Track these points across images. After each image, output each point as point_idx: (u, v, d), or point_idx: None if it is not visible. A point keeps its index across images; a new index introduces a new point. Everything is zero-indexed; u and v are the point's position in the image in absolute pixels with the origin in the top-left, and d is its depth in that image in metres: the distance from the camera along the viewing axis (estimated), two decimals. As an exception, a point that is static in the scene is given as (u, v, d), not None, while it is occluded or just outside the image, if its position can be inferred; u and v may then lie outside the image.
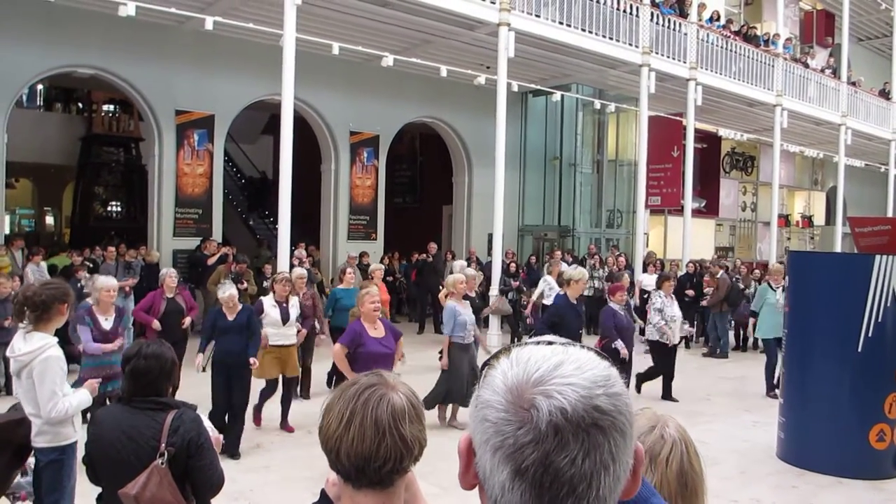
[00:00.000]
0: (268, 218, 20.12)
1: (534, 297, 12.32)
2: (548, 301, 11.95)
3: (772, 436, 7.31)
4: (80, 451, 3.33)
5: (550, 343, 0.83)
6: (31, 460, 3.88)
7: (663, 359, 9.27)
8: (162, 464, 2.89)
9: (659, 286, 9.70)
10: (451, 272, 9.30)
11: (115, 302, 11.11)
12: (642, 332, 10.47)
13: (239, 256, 11.91)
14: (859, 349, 6.50)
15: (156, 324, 7.74)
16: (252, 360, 6.75)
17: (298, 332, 7.87)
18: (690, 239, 16.47)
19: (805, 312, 6.97)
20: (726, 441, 7.59)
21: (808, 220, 25.60)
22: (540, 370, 0.78)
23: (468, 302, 7.98)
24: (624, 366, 7.68)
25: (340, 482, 1.47)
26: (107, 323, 6.35)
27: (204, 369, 6.78)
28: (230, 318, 6.74)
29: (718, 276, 13.12)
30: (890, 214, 21.86)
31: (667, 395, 9.25)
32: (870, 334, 6.48)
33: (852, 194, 24.60)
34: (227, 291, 6.87)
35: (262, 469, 6.38)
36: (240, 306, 6.90)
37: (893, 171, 23.21)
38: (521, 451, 0.75)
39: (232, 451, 6.42)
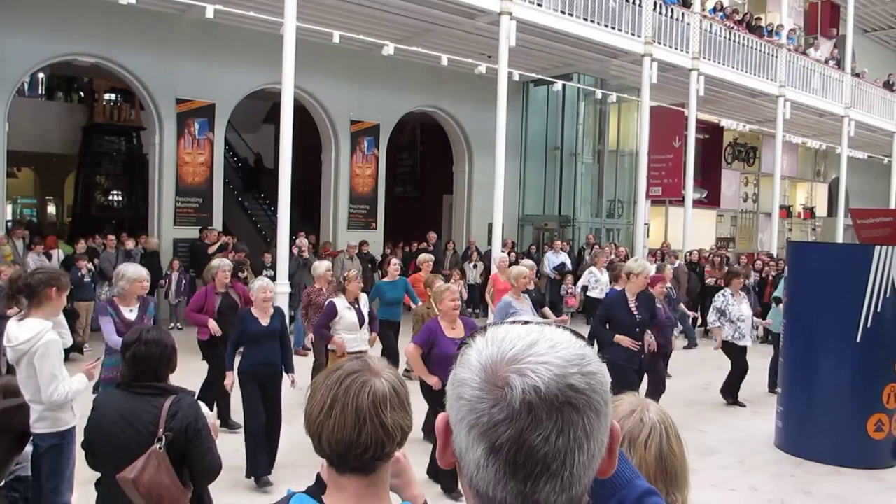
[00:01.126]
0: (267, 206, 20.10)
1: (577, 289, 12.25)
2: (594, 294, 11.91)
3: (770, 425, 7.33)
4: (80, 437, 3.35)
5: (527, 322, 0.83)
6: (30, 447, 3.90)
7: (736, 359, 8.69)
8: (160, 448, 2.90)
9: (727, 283, 8.99)
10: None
11: (114, 294, 11.27)
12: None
13: (238, 245, 11.88)
14: (858, 339, 6.51)
15: (213, 324, 6.92)
16: (292, 377, 5.99)
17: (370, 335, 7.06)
18: (691, 230, 16.45)
19: (804, 303, 6.97)
20: (725, 431, 7.62)
21: (809, 212, 25.56)
22: (514, 349, 0.78)
23: (527, 296, 7.33)
24: (657, 359, 7.36)
25: (325, 466, 1.48)
26: (131, 314, 5.73)
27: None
28: (264, 322, 5.88)
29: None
30: (892, 206, 21.81)
31: (728, 393, 8.73)
32: (869, 325, 6.49)
33: (855, 186, 24.55)
34: (259, 283, 6.05)
35: (262, 456, 6.39)
36: (272, 308, 5.99)
37: (896, 162, 23.16)
38: (496, 428, 0.76)
39: (262, 472, 5.65)
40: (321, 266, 8.46)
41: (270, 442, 5.79)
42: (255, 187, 21.39)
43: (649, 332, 7.06)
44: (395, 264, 8.87)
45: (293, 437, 6.15)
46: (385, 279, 8.97)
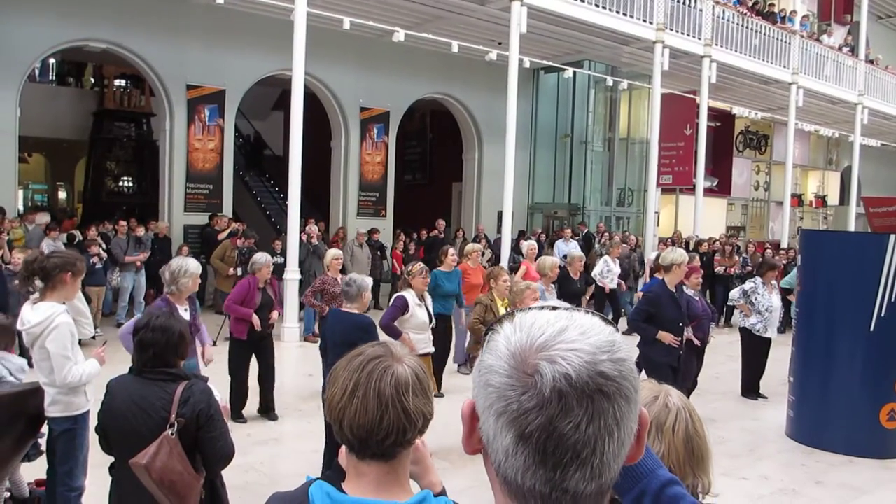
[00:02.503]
0: (277, 193, 20.12)
1: (595, 275, 12.16)
2: (608, 282, 11.82)
3: (781, 414, 7.31)
4: (93, 421, 3.36)
5: (555, 308, 0.82)
6: (45, 429, 3.93)
7: (752, 349, 8.42)
8: (172, 434, 2.91)
9: (760, 274, 8.65)
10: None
11: (125, 280, 11.30)
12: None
13: (248, 231, 11.88)
14: (872, 329, 6.47)
15: (256, 319, 6.70)
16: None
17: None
18: (702, 218, 16.37)
19: (818, 292, 6.92)
20: (735, 419, 7.60)
21: (821, 200, 25.38)
22: (544, 335, 0.77)
23: (554, 287, 7.20)
24: (694, 353, 7.10)
25: (345, 452, 1.48)
26: (185, 313, 5.10)
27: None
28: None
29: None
30: (905, 195, 21.66)
31: (748, 389, 8.53)
32: (882, 314, 6.44)
33: (867, 174, 24.37)
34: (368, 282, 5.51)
35: (272, 441, 6.43)
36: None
37: (909, 150, 22.98)
38: (525, 416, 0.75)
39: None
40: (328, 254, 8.26)
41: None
42: (255, 166, 21.28)
43: (689, 327, 6.74)
44: (452, 254, 8.30)
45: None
46: (441, 268, 8.25)
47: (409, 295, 6.18)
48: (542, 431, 0.74)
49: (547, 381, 0.74)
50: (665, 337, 6.02)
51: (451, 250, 8.48)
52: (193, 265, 5.28)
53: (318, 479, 1.49)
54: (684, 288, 7.19)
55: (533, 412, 0.74)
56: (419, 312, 6.10)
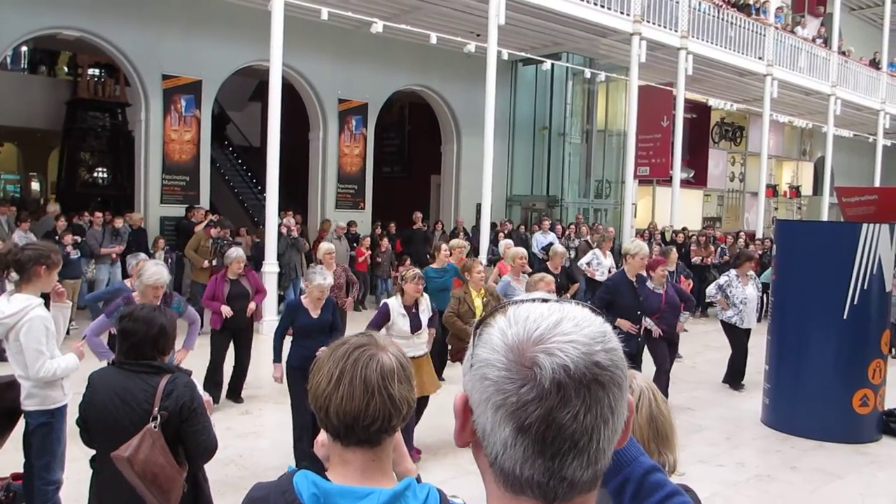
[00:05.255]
0: (254, 185, 19.98)
1: (581, 265, 12.17)
2: (599, 276, 11.87)
3: (757, 402, 7.42)
4: (71, 415, 3.34)
5: (545, 300, 0.84)
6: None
7: (735, 340, 8.54)
8: (155, 427, 2.89)
9: (737, 266, 8.73)
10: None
11: (101, 272, 11.17)
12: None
13: (222, 221, 11.66)
14: (845, 316, 6.59)
15: (226, 309, 7.07)
16: None
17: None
18: (679, 209, 16.51)
19: (792, 280, 7.03)
20: (712, 407, 7.70)
21: (795, 191, 25.72)
22: (540, 328, 0.78)
23: (525, 276, 7.21)
24: (664, 344, 7.22)
25: (329, 440, 1.49)
26: None
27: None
28: (314, 314, 5.64)
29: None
30: (877, 185, 21.98)
31: (731, 378, 8.60)
32: (855, 302, 6.57)
33: (840, 164, 24.71)
34: (317, 280, 5.65)
35: (252, 435, 6.42)
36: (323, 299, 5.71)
37: (881, 141, 23.28)
38: (525, 408, 0.76)
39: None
40: (321, 248, 8.17)
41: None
42: (217, 138, 20.92)
43: (648, 317, 6.98)
44: (445, 250, 8.39)
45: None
46: (433, 265, 8.40)
47: (395, 302, 5.92)
48: (541, 423, 0.76)
49: (546, 374, 0.75)
50: (623, 324, 6.35)
51: (445, 246, 8.51)
52: (148, 273, 4.89)
53: (301, 468, 1.50)
54: (648, 281, 7.27)
55: (532, 404, 0.76)
56: (400, 321, 5.81)
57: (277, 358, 5.68)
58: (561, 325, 0.78)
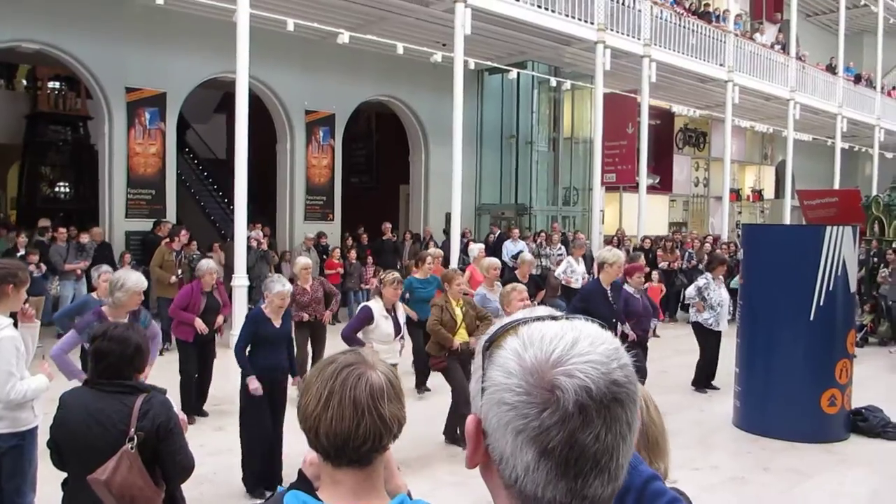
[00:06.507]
0: (221, 198, 19.78)
1: (559, 275, 12.21)
2: (575, 284, 11.93)
3: (728, 405, 7.52)
4: (42, 437, 3.26)
5: (554, 318, 0.83)
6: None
7: (707, 343, 8.67)
8: (132, 448, 2.84)
9: (710, 269, 8.87)
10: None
11: (65, 288, 10.95)
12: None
13: (174, 228, 11.36)
14: (811, 318, 6.72)
15: (199, 323, 7.07)
16: (297, 378, 5.62)
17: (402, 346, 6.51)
18: (645, 215, 16.70)
19: (758, 283, 7.15)
20: (685, 411, 7.78)
21: (758, 194, 26.21)
22: (557, 349, 0.78)
23: (499, 285, 7.34)
24: (636, 348, 7.27)
25: (319, 461, 1.47)
26: None
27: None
28: (276, 324, 5.53)
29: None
30: (836, 187, 22.46)
31: (700, 381, 8.73)
32: (821, 303, 6.70)
33: (801, 168, 25.20)
34: (278, 288, 5.54)
35: (226, 452, 6.31)
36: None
37: (839, 144, 23.81)
38: (547, 432, 0.76)
39: (261, 483, 5.37)
40: (297, 263, 8.15)
41: (273, 453, 5.42)
42: (181, 149, 20.65)
43: (625, 324, 7.08)
44: (429, 261, 8.48)
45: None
46: (416, 275, 8.48)
47: (376, 305, 6.03)
48: (564, 445, 0.76)
49: (569, 397, 0.75)
50: None
51: (430, 257, 8.58)
52: (133, 280, 4.82)
53: (291, 488, 1.48)
54: (626, 286, 7.43)
55: (555, 428, 0.75)
56: (384, 324, 5.94)
57: (249, 371, 5.56)
58: (577, 344, 0.78)
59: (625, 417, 0.78)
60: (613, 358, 0.79)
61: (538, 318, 0.83)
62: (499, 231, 15.94)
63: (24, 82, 21.35)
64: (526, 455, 0.77)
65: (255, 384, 5.47)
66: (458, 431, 6.39)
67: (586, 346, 0.78)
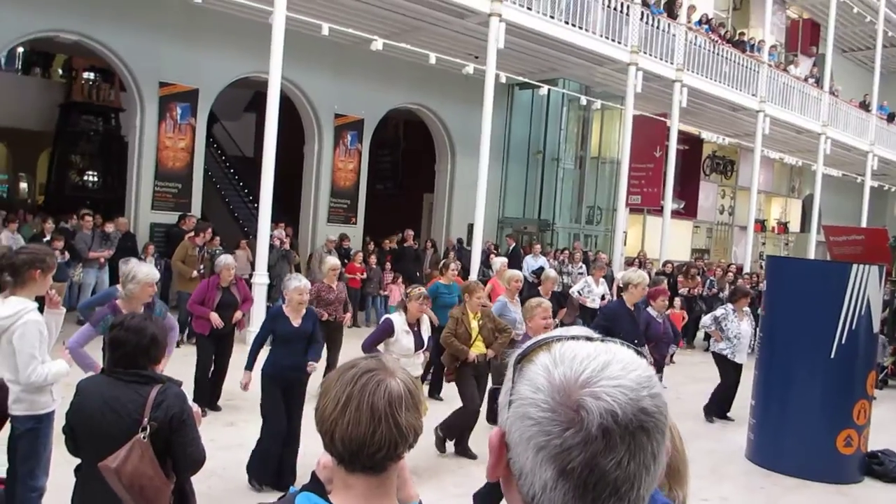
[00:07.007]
0: (246, 195, 19.94)
1: (573, 294, 12.18)
2: (591, 303, 11.88)
3: (742, 436, 7.42)
4: (58, 421, 3.29)
5: (589, 338, 0.82)
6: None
7: (725, 373, 8.51)
8: (144, 438, 2.86)
9: (733, 300, 8.74)
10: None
11: (88, 276, 11.07)
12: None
13: (199, 224, 11.39)
14: (832, 355, 6.60)
15: (215, 317, 7.15)
16: (311, 363, 5.57)
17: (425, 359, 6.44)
18: (668, 240, 16.60)
19: (780, 316, 7.06)
20: (697, 440, 7.67)
21: (783, 227, 25.94)
22: (587, 370, 0.77)
23: (518, 300, 7.36)
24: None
25: (333, 464, 1.47)
26: None
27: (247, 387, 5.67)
28: (295, 322, 5.53)
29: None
30: (864, 225, 22.21)
31: (711, 410, 8.56)
32: (843, 341, 6.59)
33: (828, 203, 24.94)
34: (295, 283, 5.60)
35: (236, 447, 6.32)
36: (304, 309, 5.63)
37: (869, 182, 23.55)
38: (568, 452, 0.75)
39: (266, 480, 5.40)
40: (326, 263, 8.22)
41: (287, 452, 5.39)
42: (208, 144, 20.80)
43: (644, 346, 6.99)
44: (453, 268, 8.46)
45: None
46: (442, 280, 8.50)
47: (399, 318, 5.94)
48: (584, 468, 0.75)
49: (593, 418, 0.74)
50: None
51: (453, 265, 8.60)
52: (144, 272, 4.81)
53: (303, 490, 1.48)
54: (650, 309, 7.42)
55: (576, 448, 0.74)
56: (404, 339, 5.85)
57: (249, 365, 5.62)
58: (609, 367, 0.77)
59: (650, 448, 0.77)
60: (645, 385, 0.77)
61: (573, 337, 0.82)
62: (513, 244, 15.91)
63: (60, 72, 21.73)
64: (545, 473, 0.76)
65: (246, 379, 5.59)
66: (447, 434, 6.40)
67: (617, 370, 0.77)
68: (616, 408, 0.75)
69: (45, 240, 10.11)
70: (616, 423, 0.74)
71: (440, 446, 6.40)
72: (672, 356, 10.57)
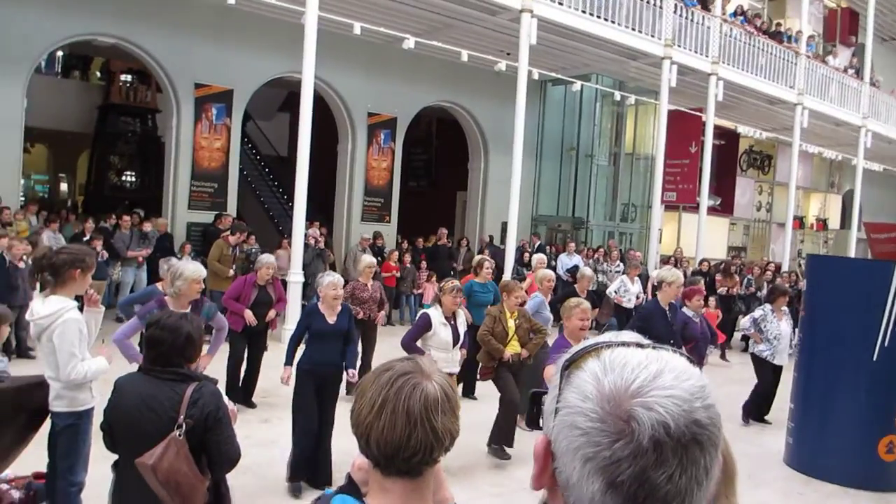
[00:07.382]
0: (281, 195, 20.12)
1: (610, 293, 12.12)
2: (627, 303, 11.80)
3: (780, 440, 7.27)
4: (97, 418, 3.34)
5: (640, 345, 0.80)
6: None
7: (764, 375, 8.35)
8: (179, 435, 2.90)
9: (771, 300, 8.55)
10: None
11: (126, 275, 11.25)
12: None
13: (237, 226, 11.48)
14: (874, 358, 6.40)
15: (249, 314, 7.23)
16: (351, 371, 5.66)
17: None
18: (705, 237, 16.36)
19: (821, 317, 6.88)
20: (734, 444, 7.41)
21: (822, 223, 25.38)
22: (639, 379, 0.74)
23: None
24: None
25: (369, 467, 1.46)
26: None
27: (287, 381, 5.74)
28: (330, 319, 5.55)
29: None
30: (907, 221, 21.67)
31: (749, 412, 8.40)
32: (886, 343, 6.38)
33: (869, 199, 24.38)
34: (329, 279, 5.64)
35: (270, 444, 6.40)
36: (339, 306, 5.63)
37: (912, 176, 23.02)
38: (617, 464, 0.72)
39: (300, 476, 5.39)
40: (362, 261, 8.25)
41: (320, 448, 5.41)
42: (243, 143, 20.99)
43: (681, 347, 6.95)
44: (487, 266, 8.40)
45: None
46: (476, 279, 8.42)
47: (436, 312, 6.05)
48: (633, 481, 0.72)
49: (645, 430, 0.72)
50: None
51: (487, 263, 8.50)
52: (190, 269, 4.93)
53: (339, 492, 1.47)
54: (685, 309, 7.30)
55: (626, 461, 0.72)
56: (442, 332, 5.94)
57: (289, 361, 5.67)
58: (661, 377, 0.74)
59: (703, 462, 0.74)
60: (698, 396, 0.75)
61: (623, 344, 0.80)
62: (538, 241, 15.83)
63: (98, 74, 22.13)
64: (593, 485, 0.74)
65: (286, 373, 5.66)
66: (501, 441, 6.33)
67: (670, 380, 0.74)
68: (668, 419, 0.72)
69: (84, 239, 10.30)
70: (668, 436, 0.72)
71: (500, 454, 6.29)
72: (723, 354, 10.33)
